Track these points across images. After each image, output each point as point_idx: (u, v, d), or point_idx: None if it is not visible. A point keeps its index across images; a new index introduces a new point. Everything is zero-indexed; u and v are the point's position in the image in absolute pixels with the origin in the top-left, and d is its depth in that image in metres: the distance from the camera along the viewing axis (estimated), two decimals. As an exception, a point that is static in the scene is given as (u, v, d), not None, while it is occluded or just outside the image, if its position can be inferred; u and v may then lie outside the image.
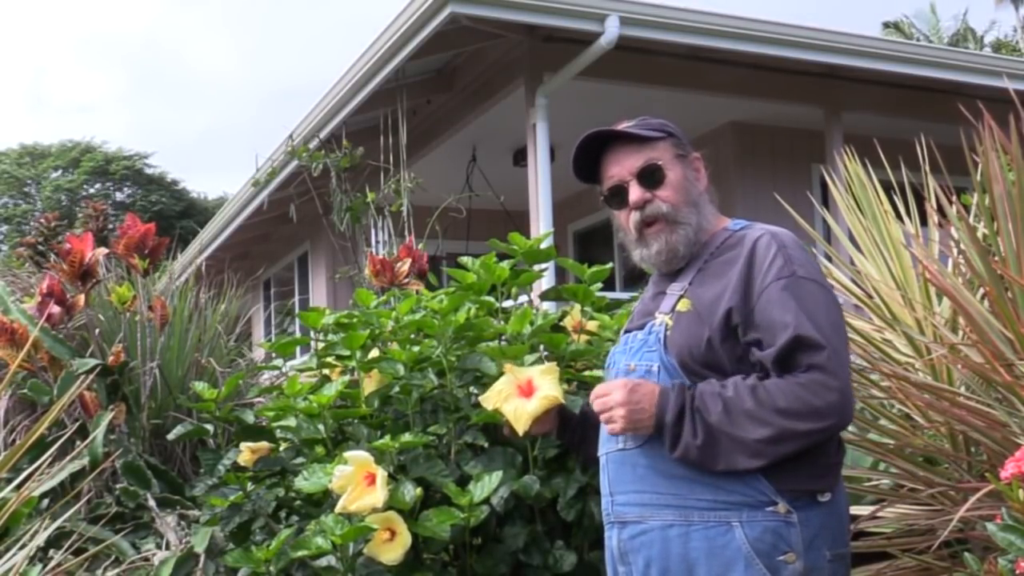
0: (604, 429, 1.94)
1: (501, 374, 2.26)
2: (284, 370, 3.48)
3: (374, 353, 2.64)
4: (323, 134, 7.41)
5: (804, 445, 1.73)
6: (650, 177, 1.90)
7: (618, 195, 1.94)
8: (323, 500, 2.48)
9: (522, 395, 2.15)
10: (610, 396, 1.82)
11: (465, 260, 2.79)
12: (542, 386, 2.14)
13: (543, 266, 2.86)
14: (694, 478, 1.77)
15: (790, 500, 1.74)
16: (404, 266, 3.64)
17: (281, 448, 2.74)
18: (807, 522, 1.75)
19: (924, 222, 3.07)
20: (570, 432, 2.23)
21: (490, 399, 2.20)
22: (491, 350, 2.48)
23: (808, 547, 1.74)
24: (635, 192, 1.91)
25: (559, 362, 2.60)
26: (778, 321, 1.73)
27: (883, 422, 2.72)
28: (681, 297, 1.87)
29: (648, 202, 1.91)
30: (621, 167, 1.93)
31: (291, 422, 2.58)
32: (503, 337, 2.59)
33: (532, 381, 2.15)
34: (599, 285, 2.73)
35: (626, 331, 2.02)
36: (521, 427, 2.12)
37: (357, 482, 2.19)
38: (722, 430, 1.73)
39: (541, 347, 2.74)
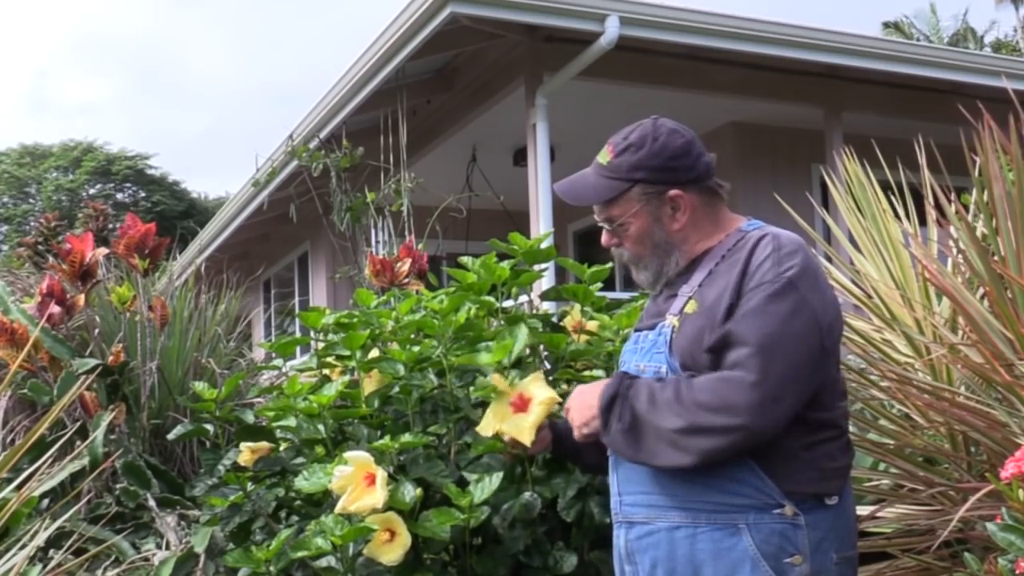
0: None
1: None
2: (284, 370, 3.48)
3: (374, 353, 2.64)
4: (323, 134, 7.41)
5: (724, 443, 1.71)
6: (614, 230, 1.97)
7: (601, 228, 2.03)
8: (323, 500, 2.48)
9: (517, 411, 2.14)
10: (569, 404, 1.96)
11: (465, 260, 2.79)
12: (535, 394, 2.13)
13: (543, 266, 2.86)
14: (701, 480, 1.77)
15: (797, 503, 1.74)
16: (404, 266, 3.64)
17: (281, 448, 2.74)
18: (814, 525, 1.75)
19: (923, 222, 3.07)
20: (565, 443, 2.22)
21: (487, 426, 2.18)
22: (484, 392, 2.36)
23: (815, 550, 1.74)
24: (604, 237, 2.00)
25: (559, 362, 2.60)
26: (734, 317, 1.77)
27: (883, 422, 2.72)
28: (689, 299, 1.88)
29: (616, 246, 1.99)
30: (595, 209, 1.99)
31: (291, 422, 2.58)
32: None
33: (523, 393, 2.15)
34: (599, 285, 2.73)
35: (637, 329, 2.03)
36: (527, 438, 2.10)
37: (357, 482, 2.19)
38: (646, 419, 1.77)
39: (541, 347, 2.74)
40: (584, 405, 1.91)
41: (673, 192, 1.91)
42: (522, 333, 2.38)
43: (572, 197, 1.98)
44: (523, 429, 2.11)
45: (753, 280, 1.77)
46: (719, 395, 1.70)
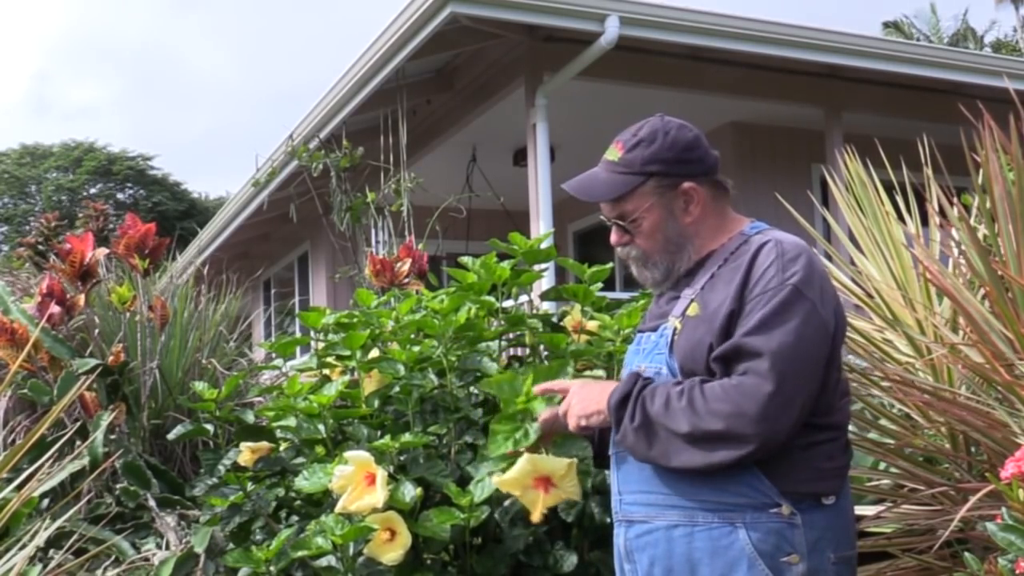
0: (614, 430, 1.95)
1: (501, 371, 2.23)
2: (284, 370, 3.48)
3: (374, 353, 2.64)
4: (323, 134, 7.41)
5: (737, 453, 1.71)
6: (625, 226, 1.95)
7: (608, 226, 2.01)
8: (323, 500, 2.48)
9: (538, 487, 2.06)
10: (567, 396, 1.94)
11: (465, 260, 2.79)
12: (563, 486, 2.06)
13: (543, 266, 2.86)
14: (700, 479, 1.77)
15: (793, 502, 1.74)
16: (404, 266, 3.64)
17: (281, 448, 2.74)
18: (811, 524, 1.75)
19: (925, 222, 3.07)
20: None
21: (507, 483, 2.06)
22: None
23: (812, 549, 1.74)
24: (614, 235, 1.98)
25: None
26: (743, 327, 1.75)
27: (883, 422, 2.72)
28: (692, 301, 1.88)
29: (624, 244, 1.97)
30: (604, 207, 1.98)
31: (291, 422, 2.58)
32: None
33: (552, 478, 2.06)
34: (599, 285, 2.73)
35: (639, 331, 2.03)
36: (536, 517, 2.06)
37: (357, 482, 2.19)
38: (659, 421, 1.76)
39: (541, 347, 2.74)
40: (589, 398, 1.90)
41: (687, 185, 1.92)
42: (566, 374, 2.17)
43: (584, 194, 1.96)
44: (536, 507, 2.05)
45: (758, 287, 1.77)
46: (734, 403, 1.70)
